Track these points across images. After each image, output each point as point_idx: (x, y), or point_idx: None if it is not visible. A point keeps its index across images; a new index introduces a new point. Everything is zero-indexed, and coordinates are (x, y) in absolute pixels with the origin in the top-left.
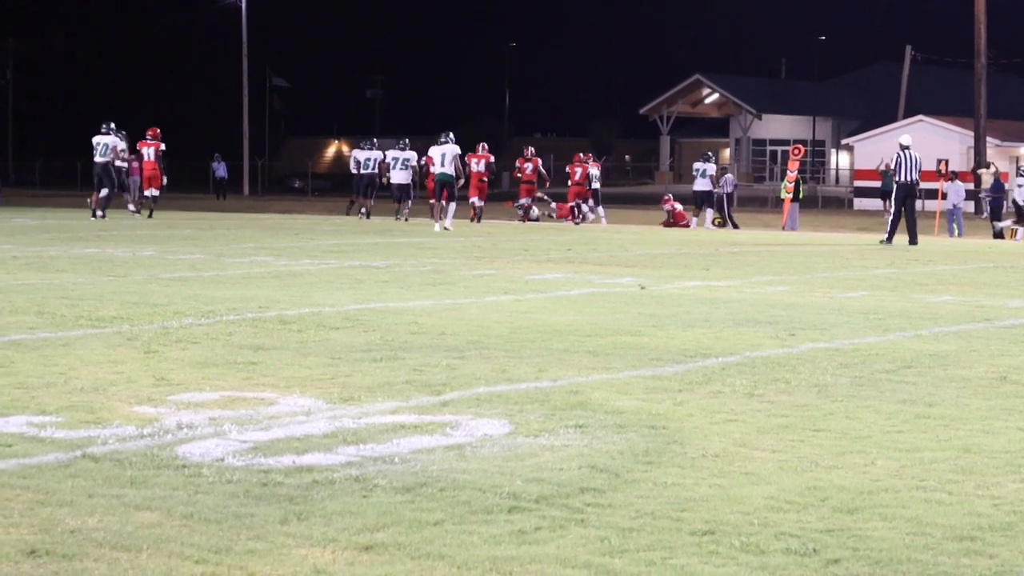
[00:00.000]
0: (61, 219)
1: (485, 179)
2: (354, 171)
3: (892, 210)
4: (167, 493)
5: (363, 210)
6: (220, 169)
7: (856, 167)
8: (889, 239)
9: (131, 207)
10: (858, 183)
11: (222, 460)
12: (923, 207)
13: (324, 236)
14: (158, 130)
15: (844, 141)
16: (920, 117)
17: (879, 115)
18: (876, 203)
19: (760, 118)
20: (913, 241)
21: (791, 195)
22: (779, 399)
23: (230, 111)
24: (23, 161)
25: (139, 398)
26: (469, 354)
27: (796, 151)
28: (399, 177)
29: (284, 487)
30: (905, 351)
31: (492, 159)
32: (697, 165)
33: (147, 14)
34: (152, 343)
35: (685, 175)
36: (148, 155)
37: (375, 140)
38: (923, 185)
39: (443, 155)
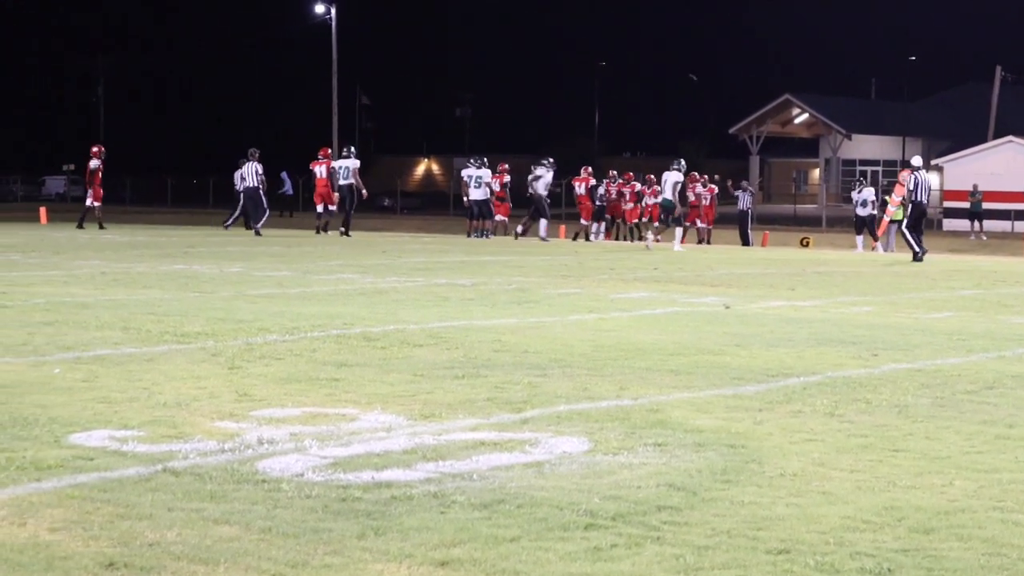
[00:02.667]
0: (151, 236)
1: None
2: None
3: (910, 230)
4: (246, 507)
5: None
6: (287, 185)
7: (946, 188)
8: (919, 256)
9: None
10: (948, 204)
11: (301, 475)
12: (1012, 228)
13: (411, 254)
14: (328, 150)
15: (934, 162)
16: (1010, 138)
17: (969, 136)
18: (965, 224)
19: (850, 138)
20: (919, 256)
21: (890, 217)
22: (859, 419)
23: (319, 129)
24: (114, 178)
25: (221, 413)
26: (551, 372)
27: (904, 176)
28: (477, 195)
29: (362, 502)
30: (987, 372)
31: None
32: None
33: (237, 32)
34: (236, 359)
35: (775, 195)
36: (320, 173)
37: (484, 158)
38: (1011, 206)
39: (664, 181)
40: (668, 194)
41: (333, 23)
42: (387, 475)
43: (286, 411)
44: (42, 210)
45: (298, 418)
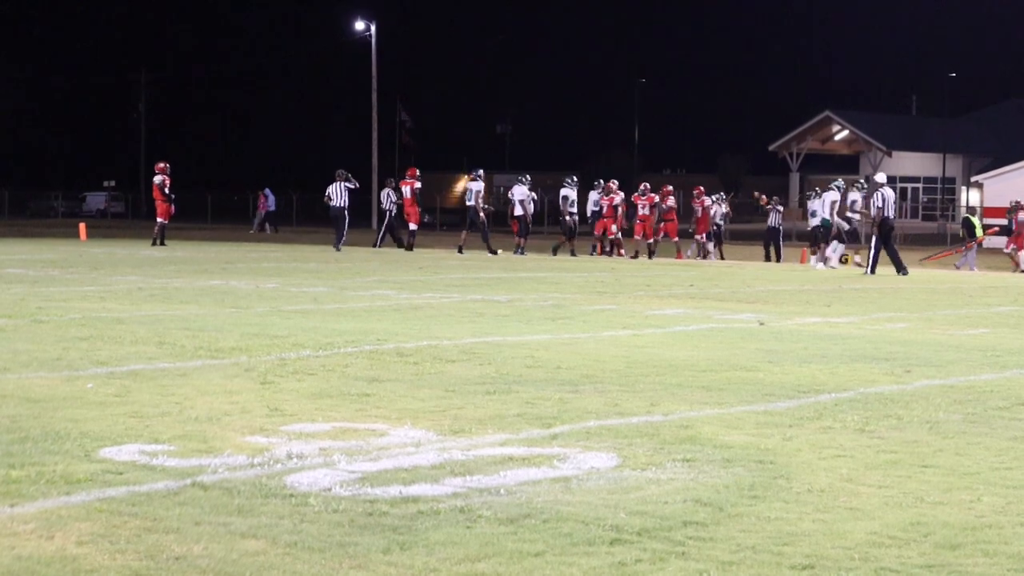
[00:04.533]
0: (188, 251)
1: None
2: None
3: (874, 244)
4: (273, 522)
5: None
6: (269, 202)
7: (985, 204)
8: (872, 270)
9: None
10: (987, 220)
11: (329, 490)
12: None
13: (448, 270)
14: (416, 170)
15: (974, 179)
16: None
17: (1010, 152)
18: (1002, 240)
19: (890, 155)
20: (903, 270)
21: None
22: (890, 435)
23: (360, 146)
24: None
25: (252, 428)
26: (582, 388)
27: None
28: (520, 211)
29: (389, 517)
30: (1021, 388)
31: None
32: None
33: (279, 49)
34: (269, 374)
35: None
36: (406, 192)
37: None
38: None
39: (822, 201)
40: (826, 213)
41: (373, 40)
42: (414, 490)
43: (316, 426)
44: (81, 226)
45: (328, 433)
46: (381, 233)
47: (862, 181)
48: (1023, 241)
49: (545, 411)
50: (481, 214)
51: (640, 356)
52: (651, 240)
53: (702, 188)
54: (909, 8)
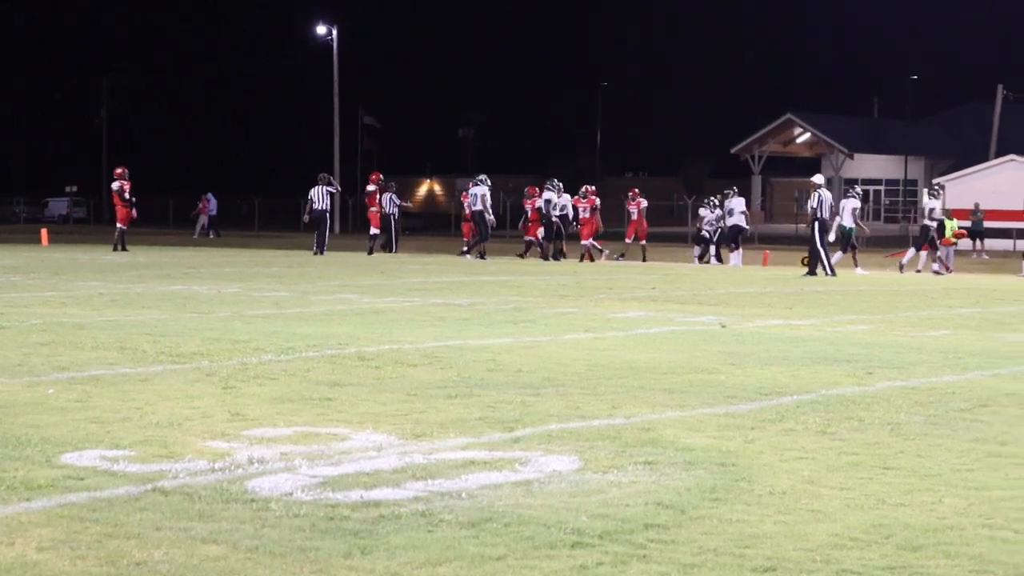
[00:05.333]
0: (150, 256)
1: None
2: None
3: (821, 247)
4: (234, 527)
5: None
6: (211, 206)
7: (947, 206)
8: (832, 271)
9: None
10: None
11: (290, 494)
12: (1015, 246)
13: (409, 274)
14: (380, 175)
15: (935, 181)
16: (1012, 157)
17: (971, 155)
18: (966, 242)
19: (852, 157)
20: (814, 272)
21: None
22: (851, 437)
23: (322, 150)
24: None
25: (213, 433)
26: (544, 391)
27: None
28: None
29: (350, 521)
30: (982, 390)
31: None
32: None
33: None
34: (230, 379)
35: (777, 215)
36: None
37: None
38: (1013, 224)
39: (842, 208)
40: (847, 221)
41: (335, 44)
42: (376, 494)
43: (278, 431)
44: (43, 232)
45: (289, 438)
46: (392, 239)
47: (937, 188)
48: (947, 241)
49: (507, 414)
50: (490, 217)
51: (602, 359)
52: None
53: (636, 191)
54: (871, 11)
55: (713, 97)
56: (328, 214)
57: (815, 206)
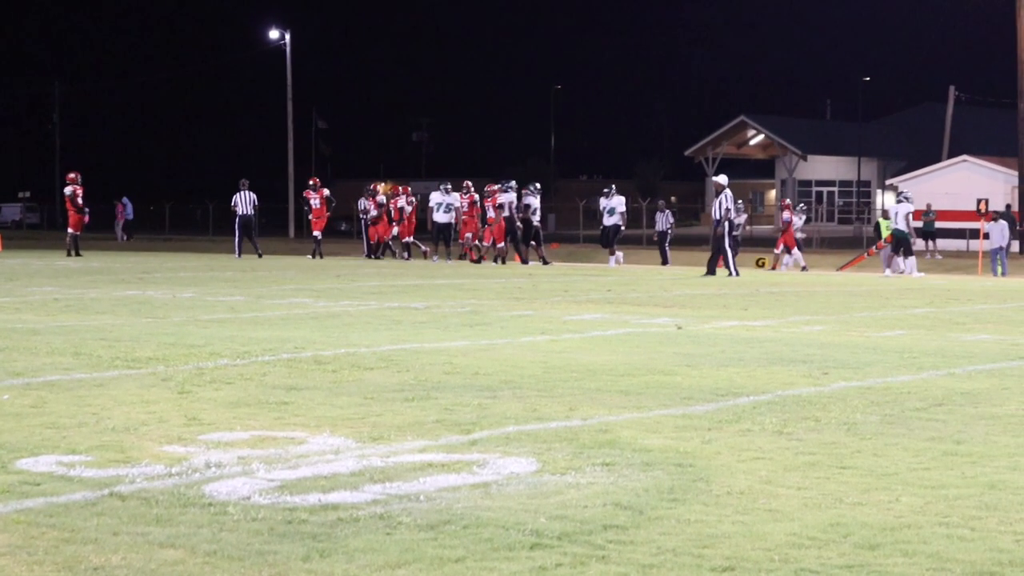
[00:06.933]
0: (104, 261)
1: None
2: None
3: (729, 247)
4: (192, 531)
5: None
6: (127, 210)
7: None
8: (736, 271)
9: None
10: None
11: (248, 498)
12: (968, 247)
13: (365, 278)
14: (318, 180)
15: (888, 182)
16: (964, 157)
17: (924, 155)
18: (920, 243)
19: (806, 159)
20: (712, 272)
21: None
22: (808, 437)
23: (275, 154)
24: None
25: (169, 437)
26: (501, 394)
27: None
28: (443, 219)
29: (308, 525)
30: (937, 389)
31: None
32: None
33: (192, 58)
34: (186, 384)
35: None
36: (315, 203)
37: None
38: (966, 225)
39: (895, 213)
40: (901, 225)
41: (287, 48)
42: (334, 497)
43: (234, 435)
44: None
45: (246, 442)
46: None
47: (903, 196)
48: (790, 240)
49: (464, 417)
50: (518, 222)
51: (558, 361)
52: (500, 244)
53: (496, 187)
54: (823, 13)
55: (667, 100)
56: (252, 218)
57: (729, 207)
